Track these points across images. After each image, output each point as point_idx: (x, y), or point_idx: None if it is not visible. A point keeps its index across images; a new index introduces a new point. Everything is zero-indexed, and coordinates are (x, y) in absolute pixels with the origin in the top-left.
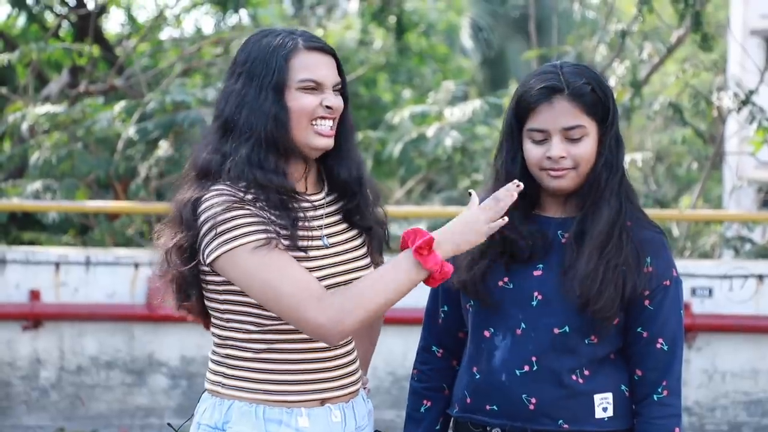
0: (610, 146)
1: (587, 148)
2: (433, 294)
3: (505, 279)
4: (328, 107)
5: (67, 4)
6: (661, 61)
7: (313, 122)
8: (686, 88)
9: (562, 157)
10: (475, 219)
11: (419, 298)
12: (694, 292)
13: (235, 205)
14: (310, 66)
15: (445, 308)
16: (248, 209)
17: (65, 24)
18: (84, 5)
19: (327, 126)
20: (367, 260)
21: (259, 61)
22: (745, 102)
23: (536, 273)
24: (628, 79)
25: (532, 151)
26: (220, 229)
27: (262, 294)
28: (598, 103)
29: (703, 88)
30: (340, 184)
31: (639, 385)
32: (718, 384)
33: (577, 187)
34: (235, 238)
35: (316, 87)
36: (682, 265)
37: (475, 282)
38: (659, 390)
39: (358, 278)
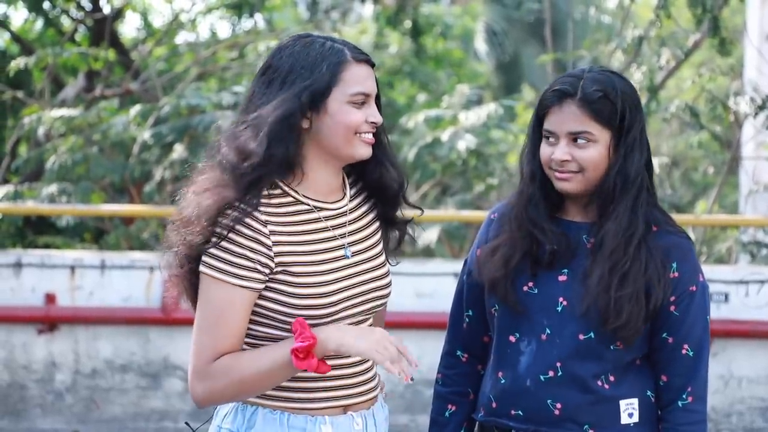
0: (626, 155)
1: (593, 154)
2: (458, 299)
3: (530, 284)
4: (373, 123)
5: (83, 9)
6: (678, 66)
7: (359, 134)
8: (702, 92)
9: (566, 161)
10: (381, 336)
11: (432, 303)
12: (710, 297)
13: (240, 229)
14: (360, 79)
15: (470, 313)
16: (244, 240)
17: (81, 28)
18: (100, 9)
19: (370, 136)
20: (385, 268)
21: (306, 69)
22: (762, 107)
23: (561, 278)
24: (645, 84)
25: (543, 151)
26: (211, 249)
27: (194, 323)
28: (612, 111)
29: (720, 92)
30: (376, 189)
31: (664, 391)
32: (734, 390)
33: (588, 191)
34: (211, 266)
35: (364, 100)
36: None
37: (506, 283)
38: (684, 396)
39: (375, 288)
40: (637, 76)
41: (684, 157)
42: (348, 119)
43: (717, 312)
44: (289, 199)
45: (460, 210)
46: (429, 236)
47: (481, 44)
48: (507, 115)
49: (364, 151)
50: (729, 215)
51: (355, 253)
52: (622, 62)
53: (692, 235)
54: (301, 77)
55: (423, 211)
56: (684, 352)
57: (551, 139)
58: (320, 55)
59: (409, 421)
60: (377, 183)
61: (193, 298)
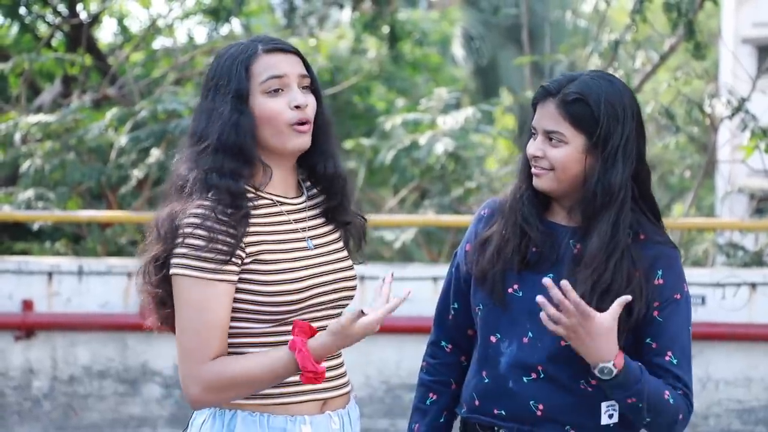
0: (606, 165)
1: (562, 154)
2: (445, 291)
3: (516, 286)
4: (297, 107)
5: (59, 14)
6: (654, 70)
7: (290, 125)
8: (678, 95)
9: (538, 157)
10: (349, 331)
11: (411, 308)
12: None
13: (205, 224)
14: (268, 66)
15: (456, 305)
16: (211, 232)
17: (58, 34)
18: (77, 15)
19: (303, 125)
20: (349, 262)
21: (222, 73)
22: (738, 109)
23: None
24: None
25: (528, 145)
26: (179, 251)
27: (176, 328)
28: (588, 117)
29: (695, 96)
30: (325, 181)
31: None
32: (711, 392)
33: (565, 193)
34: (183, 266)
35: (280, 86)
36: None
37: (494, 276)
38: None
39: (342, 279)
40: None
41: (661, 160)
42: (268, 110)
43: (694, 315)
44: (251, 195)
45: (438, 214)
46: (407, 239)
47: (458, 49)
48: (485, 118)
49: (299, 141)
50: (706, 218)
51: (317, 246)
52: (598, 66)
53: None
54: (221, 84)
55: (366, 219)
56: (667, 359)
57: (535, 135)
58: (231, 57)
59: (389, 425)
60: (323, 176)
61: (161, 310)
